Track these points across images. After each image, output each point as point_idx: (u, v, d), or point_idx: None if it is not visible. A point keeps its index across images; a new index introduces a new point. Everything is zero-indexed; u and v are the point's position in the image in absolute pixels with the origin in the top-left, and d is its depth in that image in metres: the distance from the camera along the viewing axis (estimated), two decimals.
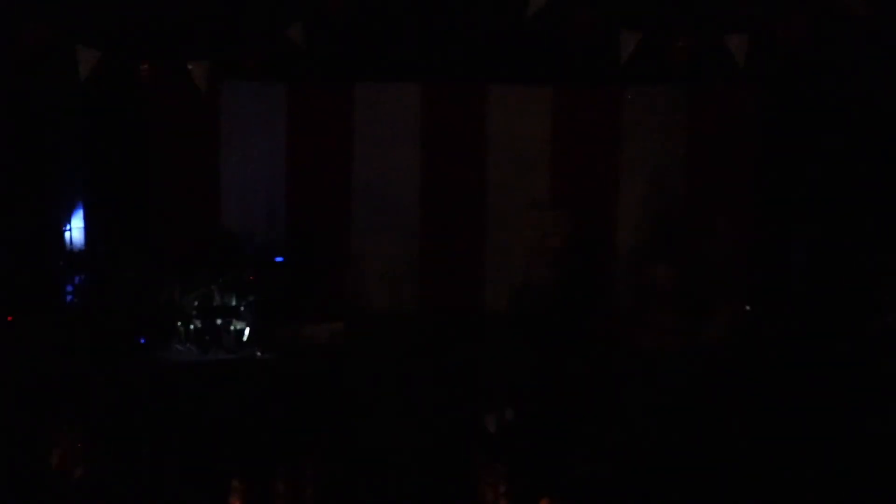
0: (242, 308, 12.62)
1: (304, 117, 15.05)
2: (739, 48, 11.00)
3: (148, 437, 8.97)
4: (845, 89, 13.52)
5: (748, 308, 13.44)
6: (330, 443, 8.39)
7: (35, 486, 8.11)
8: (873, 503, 8.35)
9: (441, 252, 15.21)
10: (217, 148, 14.91)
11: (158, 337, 12.36)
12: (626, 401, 10.50)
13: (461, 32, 13.50)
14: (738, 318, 13.20)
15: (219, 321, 12.50)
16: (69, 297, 13.39)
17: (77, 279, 13.49)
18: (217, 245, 13.64)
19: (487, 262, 15.33)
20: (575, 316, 13.57)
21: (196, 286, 12.58)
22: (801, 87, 13.88)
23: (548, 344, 12.66)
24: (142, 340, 12.31)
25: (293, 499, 7.82)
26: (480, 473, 7.74)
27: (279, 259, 13.93)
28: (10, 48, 10.83)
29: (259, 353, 12.23)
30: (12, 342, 11.42)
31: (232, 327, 12.55)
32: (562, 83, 15.08)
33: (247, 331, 12.53)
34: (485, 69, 14.52)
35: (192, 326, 12.42)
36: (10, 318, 12.05)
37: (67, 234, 13.85)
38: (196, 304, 12.49)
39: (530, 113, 15.16)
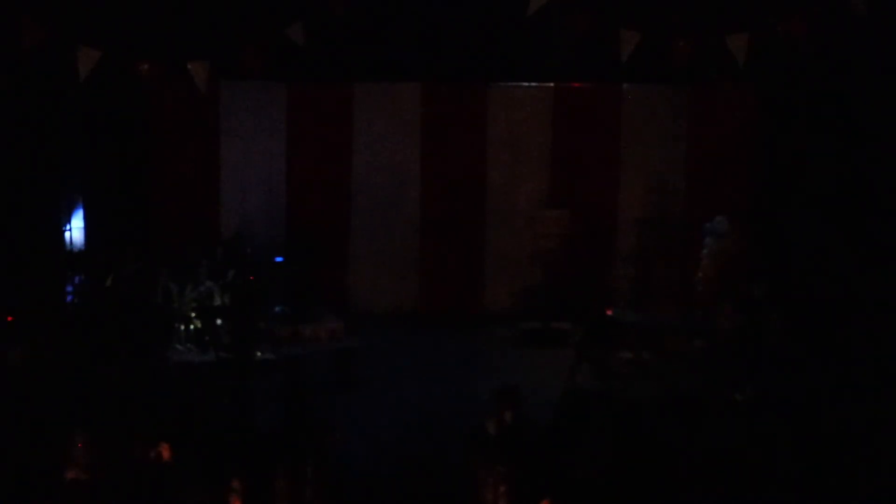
0: (242, 308, 12.60)
1: (304, 117, 15.06)
2: (739, 48, 10.98)
3: (148, 436, 8.95)
4: (845, 89, 13.51)
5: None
6: (330, 443, 8.38)
7: (35, 486, 8.10)
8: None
9: (441, 252, 15.21)
10: (217, 148, 14.93)
11: (158, 337, 12.34)
12: (626, 400, 10.48)
13: (461, 32, 13.50)
14: (738, 317, 13.18)
15: (219, 321, 12.48)
16: (69, 297, 13.38)
17: (77, 279, 13.48)
18: (217, 245, 13.62)
19: (487, 262, 15.34)
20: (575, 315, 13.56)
21: (196, 286, 12.56)
22: (801, 87, 13.88)
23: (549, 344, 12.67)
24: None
25: (293, 499, 7.81)
26: (480, 474, 7.73)
27: (279, 259, 13.92)
28: (10, 48, 10.80)
29: (259, 354, 12.21)
30: (12, 342, 11.40)
31: None
32: (562, 82, 15.10)
33: None
34: (485, 69, 14.52)
35: (192, 326, 12.40)
36: (9, 319, 12.03)
37: (67, 234, 13.84)
38: (196, 304, 12.47)
39: (530, 112, 15.18)
